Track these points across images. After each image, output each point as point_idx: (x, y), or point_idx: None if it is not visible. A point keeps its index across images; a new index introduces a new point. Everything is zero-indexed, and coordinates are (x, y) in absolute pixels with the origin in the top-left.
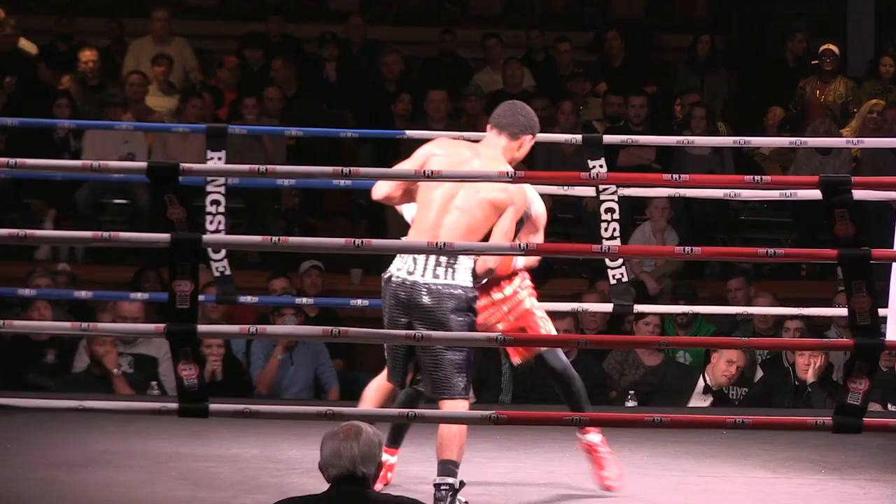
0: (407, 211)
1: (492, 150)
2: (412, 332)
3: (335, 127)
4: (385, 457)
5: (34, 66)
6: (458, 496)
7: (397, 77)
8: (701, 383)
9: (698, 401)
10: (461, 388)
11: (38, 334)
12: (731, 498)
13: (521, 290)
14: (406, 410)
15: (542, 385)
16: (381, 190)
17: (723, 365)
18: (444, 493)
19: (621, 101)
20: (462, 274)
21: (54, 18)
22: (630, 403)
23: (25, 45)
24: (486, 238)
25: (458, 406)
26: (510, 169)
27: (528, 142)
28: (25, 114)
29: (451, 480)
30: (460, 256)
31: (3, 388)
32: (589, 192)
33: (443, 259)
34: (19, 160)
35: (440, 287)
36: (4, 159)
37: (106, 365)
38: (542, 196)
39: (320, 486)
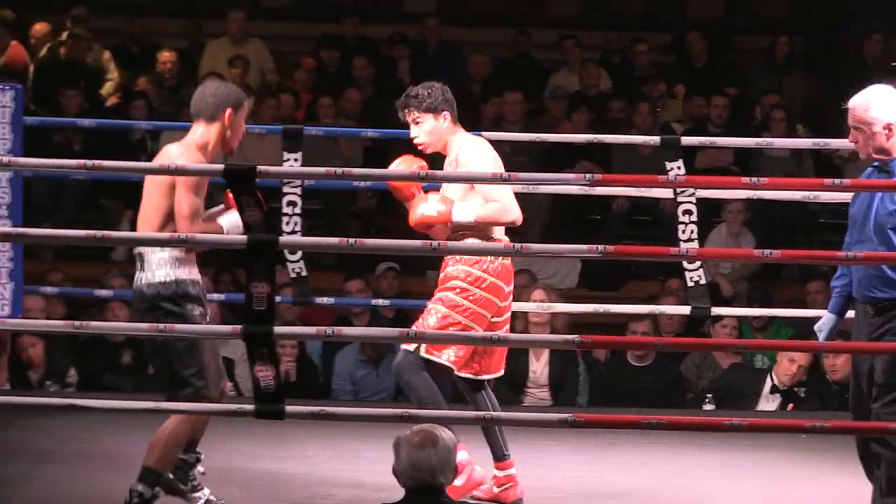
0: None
1: (188, 138)
2: (491, 333)
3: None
4: None
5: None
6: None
7: (484, 78)
8: (768, 384)
9: (766, 402)
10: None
11: (115, 335)
12: None
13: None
14: (483, 413)
15: (620, 387)
16: None
17: (785, 364)
18: (133, 500)
19: (702, 102)
20: (152, 269)
21: (125, 20)
22: (708, 406)
23: None
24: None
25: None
26: (196, 154)
27: (231, 115)
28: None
29: (141, 489)
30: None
31: (81, 389)
32: (666, 193)
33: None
34: (96, 161)
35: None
36: (82, 161)
37: None
38: (619, 198)
39: (395, 488)
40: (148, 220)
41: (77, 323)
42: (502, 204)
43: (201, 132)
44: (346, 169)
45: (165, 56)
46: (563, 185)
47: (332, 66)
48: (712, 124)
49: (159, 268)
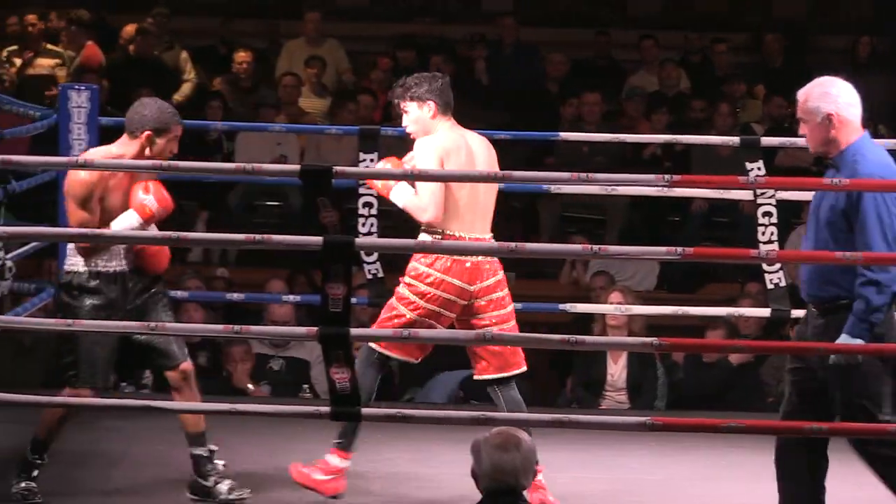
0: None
1: (108, 147)
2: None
3: (488, 129)
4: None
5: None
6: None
7: (561, 78)
8: None
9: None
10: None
11: (190, 337)
12: None
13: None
14: (559, 416)
15: (698, 391)
16: None
17: None
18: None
19: (782, 102)
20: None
21: (216, 21)
22: None
23: None
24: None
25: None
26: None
27: (149, 138)
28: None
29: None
30: None
31: (156, 391)
32: (746, 195)
33: None
34: (172, 162)
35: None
36: (157, 161)
37: (236, 383)
38: (698, 200)
39: (472, 490)
40: None
41: (152, 324)
42: (419, 201)
43: (125, 143)
44: (422, 169)
45: (241, 56)
46: (641, 186)
47: (409, 66)
48: (797, 124)
49: (67, 258)
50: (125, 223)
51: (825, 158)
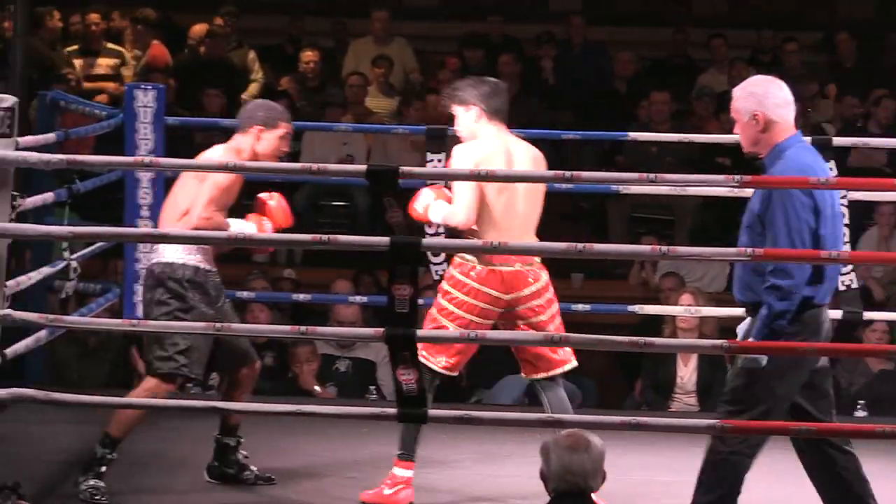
0: None
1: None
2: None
3: (556, 129)
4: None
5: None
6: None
7: (630, 77)
8: None
9: None
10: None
11: (256, 337)
12: None
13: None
14: (628, 419)
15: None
16: None
17: None
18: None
19: (854, 102)
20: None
21: (284, 20)
22: (860, 413)
23: None
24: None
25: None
26: (230, 157)
27: (258, 133)
28: None
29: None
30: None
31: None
32: None
33: None
34: (238, 162)
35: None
36: (223, 161)
37: (302, 385)
38: None
39: (540, 493)
40: (175, 204)
41: (217, 325)
42: (452, 207)
43: (240, 139)
44: (490, 169)
45: (308, 55)
46: (711, 186)
47: (476, 65)
48: (877, 125)
49: (171, 250)
50: (241, 230)
51: (756, 158)
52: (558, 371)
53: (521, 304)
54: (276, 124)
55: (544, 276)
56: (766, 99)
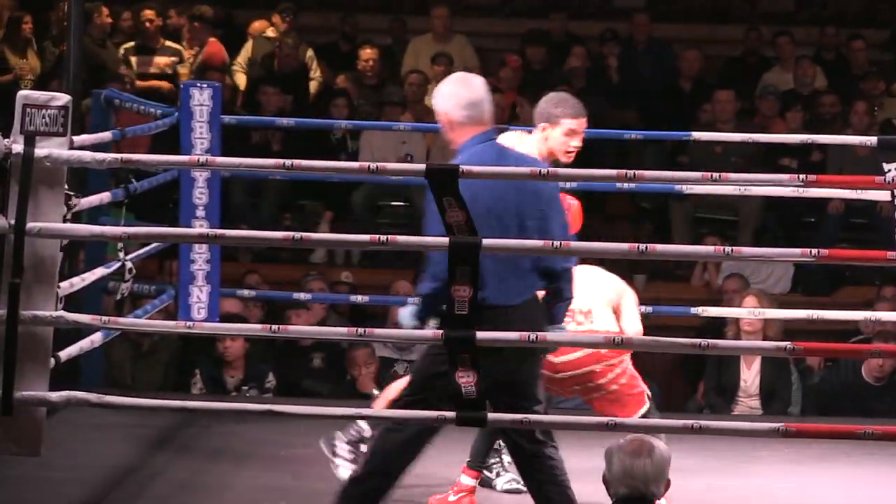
0: None
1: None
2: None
3: (619, 128)
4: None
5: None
6: None
7: (695, 75)
8: None
9: None
10: None
11: (307, 340)
12: None
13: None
14: (690, 422)
15: (832, 398)
16: None
17: None
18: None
19: None
20: None
21: (338, 16)
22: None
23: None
24: None
25: None
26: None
27: (543, 129)
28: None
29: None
30: None
31: (278, 394)
32: (884, 196)
33: None
34: (295, 161)
35: None
36: (280, 160)
37: (360, 388)
38: (834, 200)
39: (603, 499)
40: None
41: (275, 327)
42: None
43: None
44: (552, 168)
45: (367, 53)
46: (775, 186)
47: (538, 63)
48: None
49: None
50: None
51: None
52: None
53: (564, 372)
54: (557, 121)
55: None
56: (450, 100)
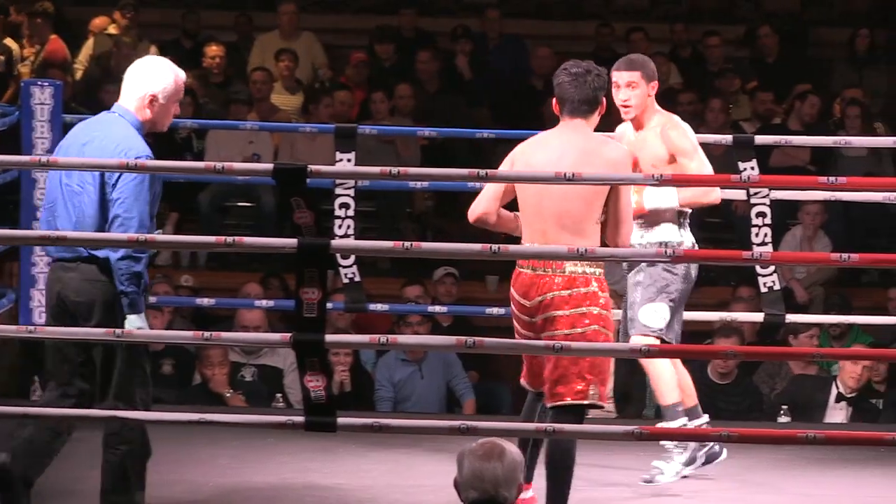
0: None
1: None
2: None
3: (472, 126)
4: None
5: None
6: None
7: (548, 73)
8: (834, 391)
9: (834, 411)
10: None
11: (156, 344)
12: None
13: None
14: (545, 426)
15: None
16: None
17: (849, 367)
18: None
19: (773, 98)
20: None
21: (180, 13)
22: (783, 418)
23: None
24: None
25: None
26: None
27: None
28: None
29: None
30: None
31: None
32: (739, 195)
33: None
34: (139, 161)
35: None
36: (124, 160)
37: (214, 388)
38: None
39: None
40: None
41: (118, 331)
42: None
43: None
44: (402, 168)
45: (213, 50)
46: (630, 185)
47: (387, 60)
48: (799, 122)
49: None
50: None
51: None
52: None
53: (539, 315)
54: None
55: (583, 287)
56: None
